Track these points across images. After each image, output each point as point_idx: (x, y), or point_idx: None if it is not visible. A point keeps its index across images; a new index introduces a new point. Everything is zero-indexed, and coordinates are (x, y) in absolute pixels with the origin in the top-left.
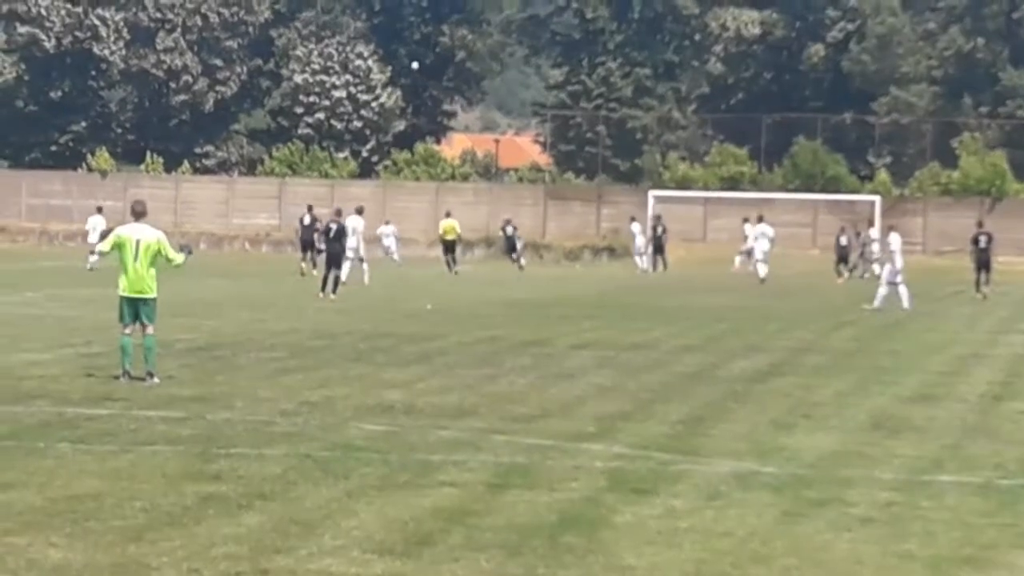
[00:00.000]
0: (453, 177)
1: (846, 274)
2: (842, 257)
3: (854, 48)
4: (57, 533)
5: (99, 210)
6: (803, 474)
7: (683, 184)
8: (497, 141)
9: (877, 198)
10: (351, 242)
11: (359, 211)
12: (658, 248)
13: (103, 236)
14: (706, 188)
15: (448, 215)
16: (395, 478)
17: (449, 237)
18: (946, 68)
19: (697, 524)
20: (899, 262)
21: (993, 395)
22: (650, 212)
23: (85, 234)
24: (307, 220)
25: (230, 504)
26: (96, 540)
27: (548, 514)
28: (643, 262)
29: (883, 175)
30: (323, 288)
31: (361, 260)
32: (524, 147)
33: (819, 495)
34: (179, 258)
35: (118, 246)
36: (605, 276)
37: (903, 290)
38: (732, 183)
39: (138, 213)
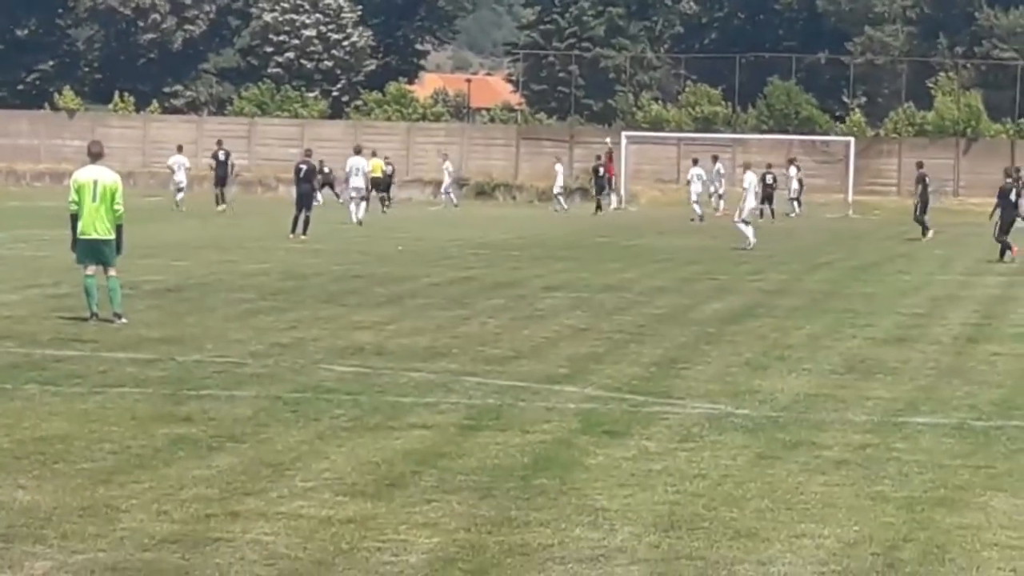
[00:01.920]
0: (425, 117)
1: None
2: (767, 197)
3: None
4: (25, 475)
5: (179, 149)
6: (777, 416)
7: (656, 125)
8: (469, 81)
9: (851, 139)
10: (356, 181)
11: (358, 151)
12: (767, 197)
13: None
14: (679, 129)
15: (374, 154)
16: (366, 420)
17: (375, 175)
18: (921, 7)
19: (670, 466)
20: (751, 201)
21: (967, 337)
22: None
23: (57, 174)
24: (221, 156)
25: (200, 446)
26: (65, 482)
27: (521, 456)
28: (699, 208)
29: (857, 116)
30: (293, 229)
31: (363, 199)
32: (496, 87)
33: (793, 437)
34: (122, 209)
35: (78, 190)
36: (577, 216)
37: (748, 230)
38: (706, 124)
39: (95, 154)
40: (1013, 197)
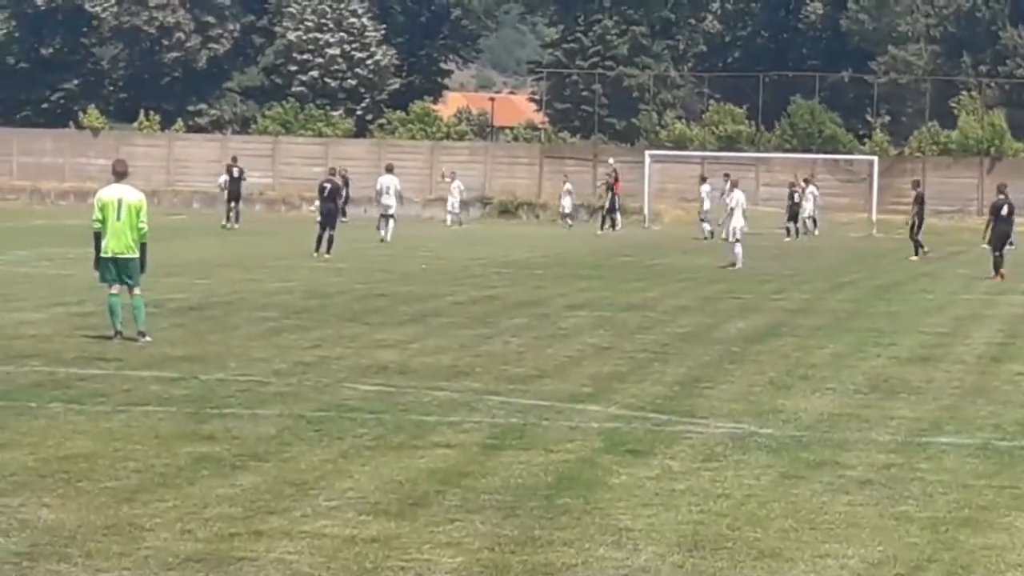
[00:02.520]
0: (448, 136)
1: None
2: (792, 215)
3: (852, 6)
4: (49, 494)
5: (229, 169)
6: (800, 436)
7: (680, 143)
8: (492, 100)
9: (875, 158)
10: (386, 199)
11: (389, 169)
12: (793, 215)
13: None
14: (703, 147)
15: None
16: (390, 439)
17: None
18: (945, 26)
19: (694, 486)
20: (740, 220)
21: (991, 356)
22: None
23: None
24: (235, 173)
25: (224, 465)
26: (89, 501)
27: (544, 475)
28: (708, 226)
29: (880, 134)
30: (317, 247)
31: (392, 217)
32: (519, 106)
33: (816, 457)
34: (146, 227)
35: (102, 208)
36: (600, 235)
37: (738, 249)
38: (729, 142)
39: (120, 173)
40: (1004, 212)
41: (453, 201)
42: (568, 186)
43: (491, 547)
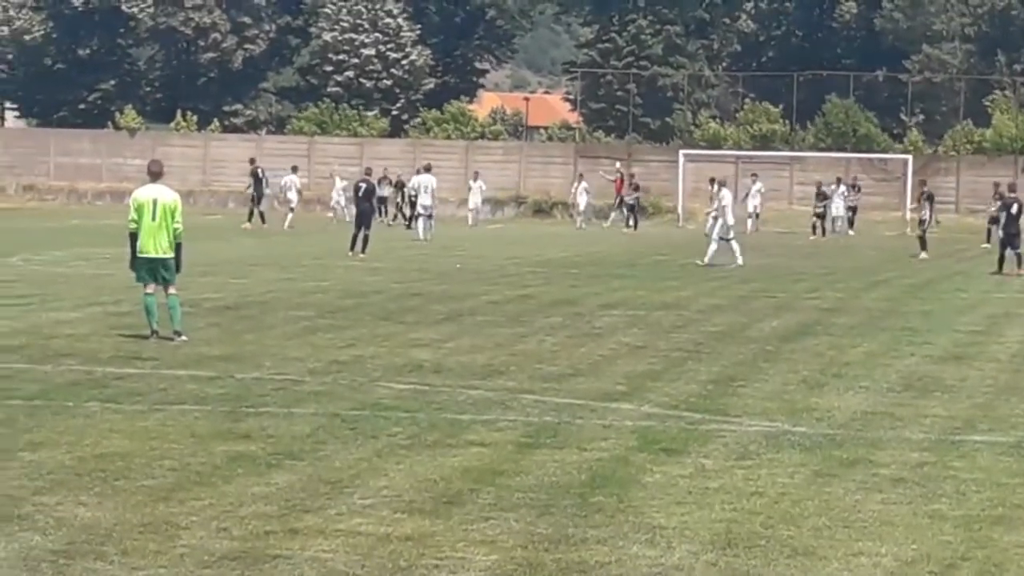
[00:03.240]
0: (483, 136)
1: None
2: (819, 214)
3: (887, 5)
4: (86, 492)
5: (294, 169)
6: (834, 434)
7: (714, 143)
8: (527, 99)
9: (909, 156)
10: (424, 199)
11: (427, 169)
12: (819, 214)
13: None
14: (737, 147)
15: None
16: (424, 437)
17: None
18: (979, 25)
19: (727, 484)
20: (730, 218)
21: None
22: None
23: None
24: (260, 173)
25: (259, 463)
26: (125, 499)
27: (578, 474)
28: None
29: (915, 133)
30: (352, 247)
31: (429, 217)
32: (554, 105)
33: (850, 455)
34: (181, 227)
35: (138, 209)
36: (635, 235)
37: (735, 245)
38: (764, 142)
39: (155, 173)
40: (1015, 211)
41: (475, 200)
42: (584, 184)
43: (525, 545)
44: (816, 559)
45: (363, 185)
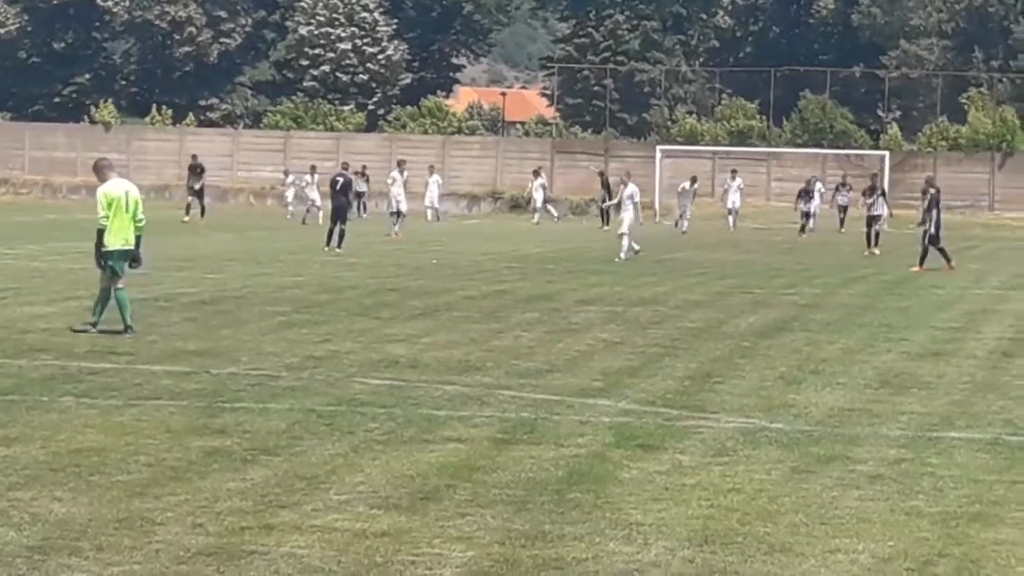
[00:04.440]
0: (460, 131)
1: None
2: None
3: (863, 1)
4: (61, 487)
5: (313, 169)
6: (811, 431)
7: (691, 139)
8: (504, 94)
9: (886, 153)
10: (401, 192)
11: (402, 163)
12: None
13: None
14: (714, 143)
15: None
16: (400, 433)
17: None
18: (957, 21)
19: (704, 480)
20: (631, 215)
21: (1002, 351)
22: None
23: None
24: (199, 170)
25: (235, 459)
26: (100, 495)
27: (555, 470)
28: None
29: (892, 130)
30: (328, 242)
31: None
32: (531, 101)
33: (827, 452)
34: (144, 221)
35: (110, 204)
36: (612, 230)
37: (624, 242)
38: (741, 137)
39: (109, 167)
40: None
41: (432, 196)
42: (541, 180)
43: (501, 541)
44: (793, 555)
45: (340, 180)
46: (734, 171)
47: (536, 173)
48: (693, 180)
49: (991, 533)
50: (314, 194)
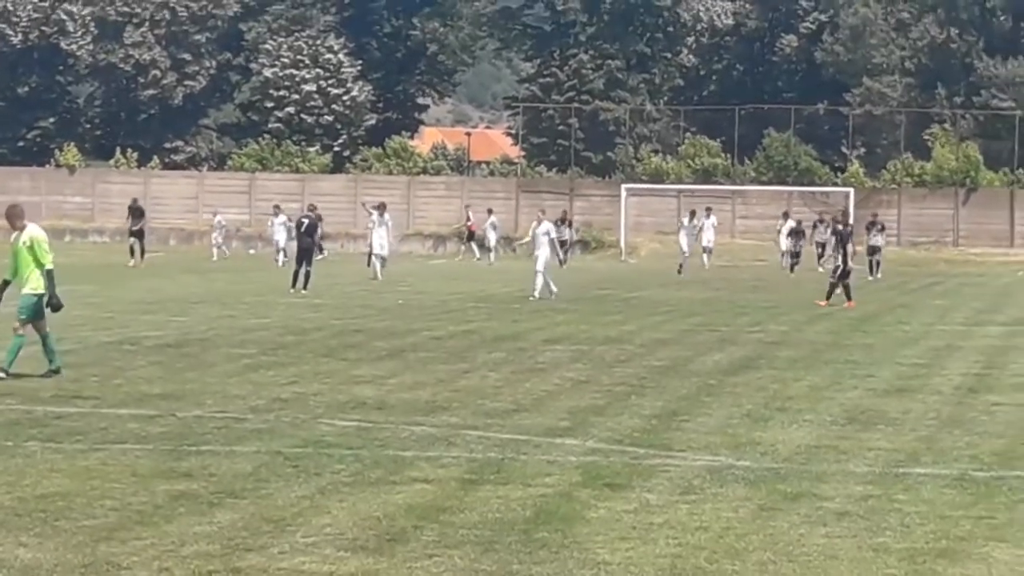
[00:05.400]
0: (425, 171)
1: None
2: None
3: (827, 39)
4: (27, 533)
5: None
6: (778, 468)
7: (656, 177)
8: (469, 134)
9: (851, 189)
10: (380, 235)
11: (383, 207)
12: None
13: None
14: (679, 181)
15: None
16: (367, 475)
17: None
18: (920, 58)
19: (672, 519)
20: (546, 252)
21: (968, 387)
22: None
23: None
24: (141, 212)
25: (201, 502)
26: (66, 539)
27: (522, 510)
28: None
29: (856, 166)
30: (294, 283)
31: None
32: (496, 140)
33: (794, 489)
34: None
35: (50, 247)
36: (576, 270)
37: (539, 279)
38: (705, 175)
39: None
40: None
41: (380, 237)
42: (492, 219)
43: None
44: None
45: (305, 221)
46: (708, 209)
47: (489, 212)
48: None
49: (958, 569)
50: (280, 235)
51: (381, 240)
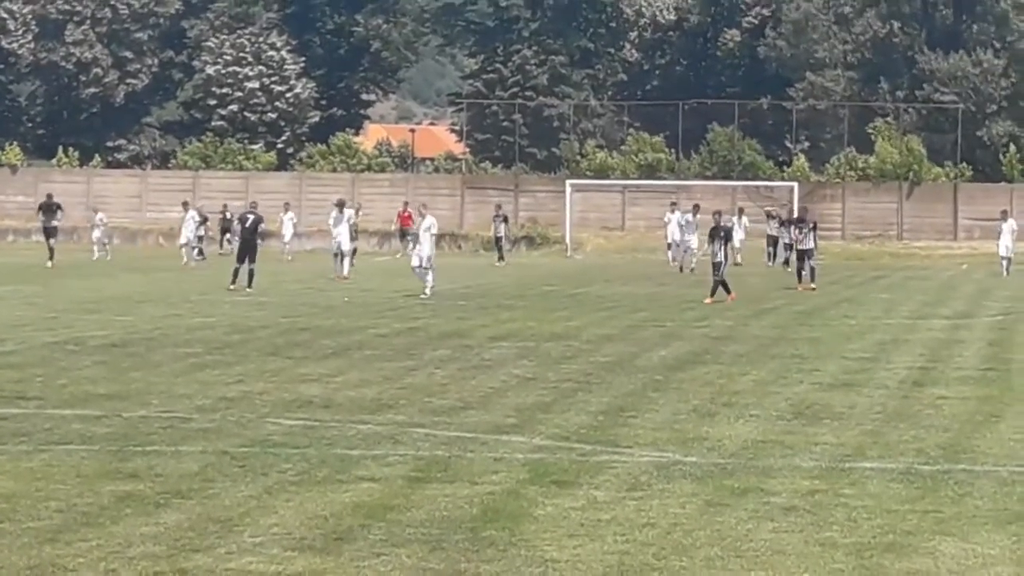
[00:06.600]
0: (369, 168)
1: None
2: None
3: (770, 34)
4: None
5: (185, 205)
6: (725, 463)
7: (601, 172)
8: (413, 131)
9: (795, 184)
10: (343, 231)
11: (343, 204)
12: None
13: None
14: (624, 176)
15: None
16: (314, 474)
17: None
18: (862, 52)
19: (619, 515)
20: (428, 248)
21: (913, 381)
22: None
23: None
24: (55, 208)
25: (147, 503)
26: (11, 542)
27: (469, 507)
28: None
29: (800, 160)
30: (233, 280)
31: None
32: (440, 137)
33: (741, 484)
34: None
35: None
36: (522, 266)
37: (430, 276)
38: (650, 171)
39: None
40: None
41: (287, 232)
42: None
43: None
44: None
45: (249, 217)
46: (674, 204)
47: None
48: (695, 209)
49: (905, 563)
50: (188, 230)
51: (342, 237)
